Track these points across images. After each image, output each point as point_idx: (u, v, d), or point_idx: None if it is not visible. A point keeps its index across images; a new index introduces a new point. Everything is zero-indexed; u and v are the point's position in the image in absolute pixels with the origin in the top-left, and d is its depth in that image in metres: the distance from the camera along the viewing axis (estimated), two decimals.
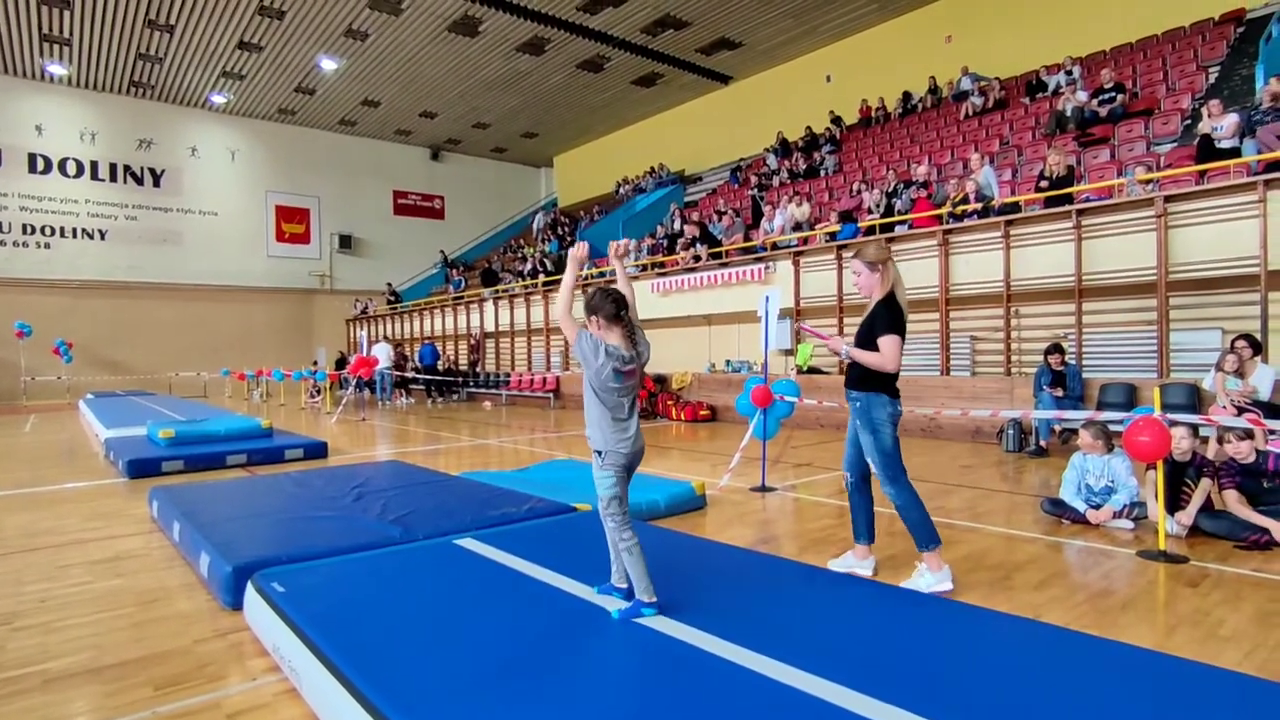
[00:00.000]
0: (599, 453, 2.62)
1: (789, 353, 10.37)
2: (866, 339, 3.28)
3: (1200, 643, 2.69)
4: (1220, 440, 4.14)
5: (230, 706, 2.34)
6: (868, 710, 1.88)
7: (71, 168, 19.78)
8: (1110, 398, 7.21)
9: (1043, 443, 7.17)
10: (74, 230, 19.80)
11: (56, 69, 18.14)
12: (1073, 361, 7.55)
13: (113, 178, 20.37)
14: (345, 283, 24.44)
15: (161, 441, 7.39)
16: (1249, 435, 4.15)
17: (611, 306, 2.58)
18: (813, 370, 10.09)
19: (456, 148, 26.25)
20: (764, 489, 5.57)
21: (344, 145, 24.32)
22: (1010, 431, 7.58)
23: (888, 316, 3.24)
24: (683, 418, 11.22)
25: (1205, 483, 4.12)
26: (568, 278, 2.70)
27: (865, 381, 3.30)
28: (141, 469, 6.65)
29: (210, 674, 2.58)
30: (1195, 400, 6.63)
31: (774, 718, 1.87)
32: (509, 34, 16.73)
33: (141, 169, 20.79)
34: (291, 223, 23.75)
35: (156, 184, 21.02)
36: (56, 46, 16.95)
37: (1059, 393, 7.17)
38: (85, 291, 19.77)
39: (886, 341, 3.20)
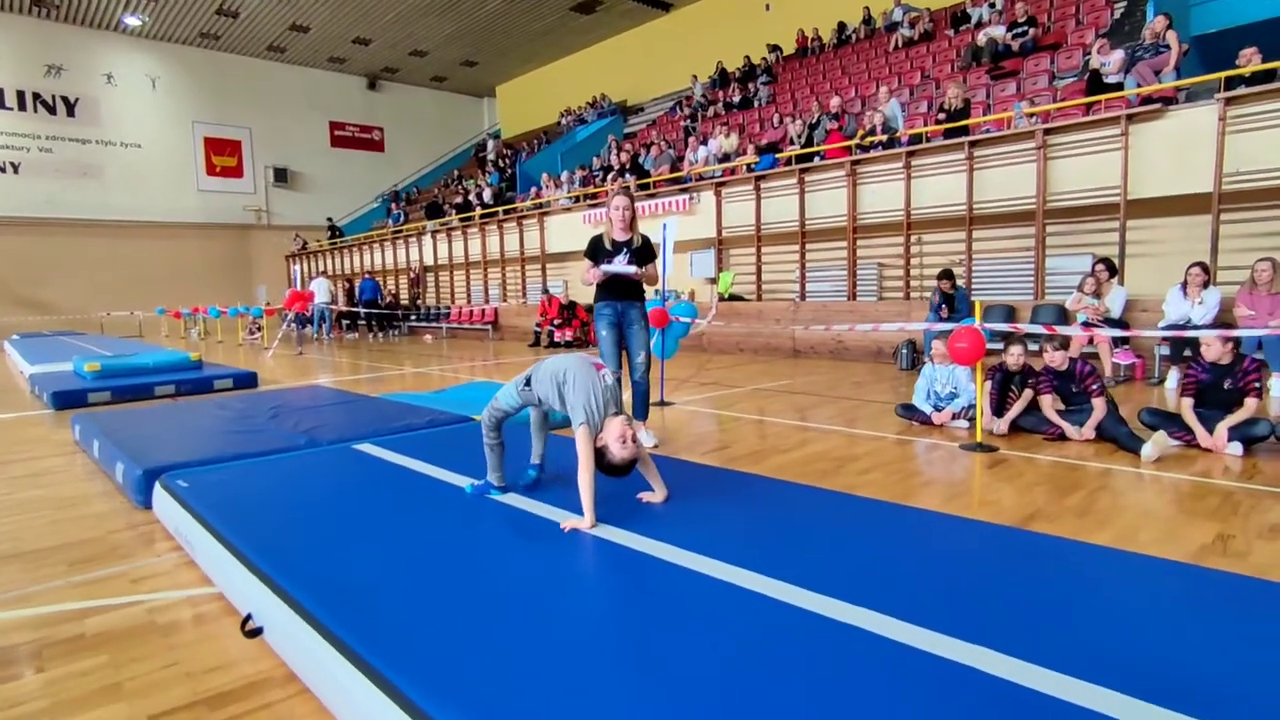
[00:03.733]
0: (528, 380, 2.83)
1: (712, 281, 10.80)
2: (645, 261, 4.32)
3: (967, 506, 3.27)
4: (1040, 351, 4.72)
5: (135, 575, 2.73)
6: (675, 558, 2.36)
7: None
8: (992, 319, 7.84)
9: (926, 357, 7.80)
10: None
11: None
12: (962, 285, 8.14)
13: (20, 106, 19.25)
14: (283, 218, 23.84)
15: (87, 375, 7.50)
16: (1064, 347, 4.72)
17: (617, 468, 2.62)
18: (734, 297, 10.56)
19: (394, 77, 25.37)
20: (662, 404, 6.07)
21: (275, 73, 23.30)
22: (904, 351, 8.21)
23: (652, 246, 4.44)
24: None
25: (1027, 393, 4.71)
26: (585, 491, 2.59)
27: (640, 294, 4.43)
28: (67, 400, 6.79)
29: (120, 555, 2.95)
30: (1063, 319, 7.30)
31: (625, 572, 2.33)
32: None
33: (53, 97, 19.68)
34: (222, 155, 22.89)
35: (71, 113, 19.96)
36: None
37: (946, 313, 7.77)
38: (0, 228, 18.96)
39: (657, 265, 4.50)
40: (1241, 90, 6.75)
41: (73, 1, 18.17)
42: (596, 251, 4.37)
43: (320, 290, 15.46)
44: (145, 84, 21.14)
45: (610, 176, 13.13)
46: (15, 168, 19.25)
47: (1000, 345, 5.29)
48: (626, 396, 4.36)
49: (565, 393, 2.67)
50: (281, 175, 23.70)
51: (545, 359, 2.87)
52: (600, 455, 2.59)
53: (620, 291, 4.36)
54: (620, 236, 4.32)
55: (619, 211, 4.29)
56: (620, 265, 4.25)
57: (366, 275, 18.03)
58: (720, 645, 1.72)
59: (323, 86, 24.33)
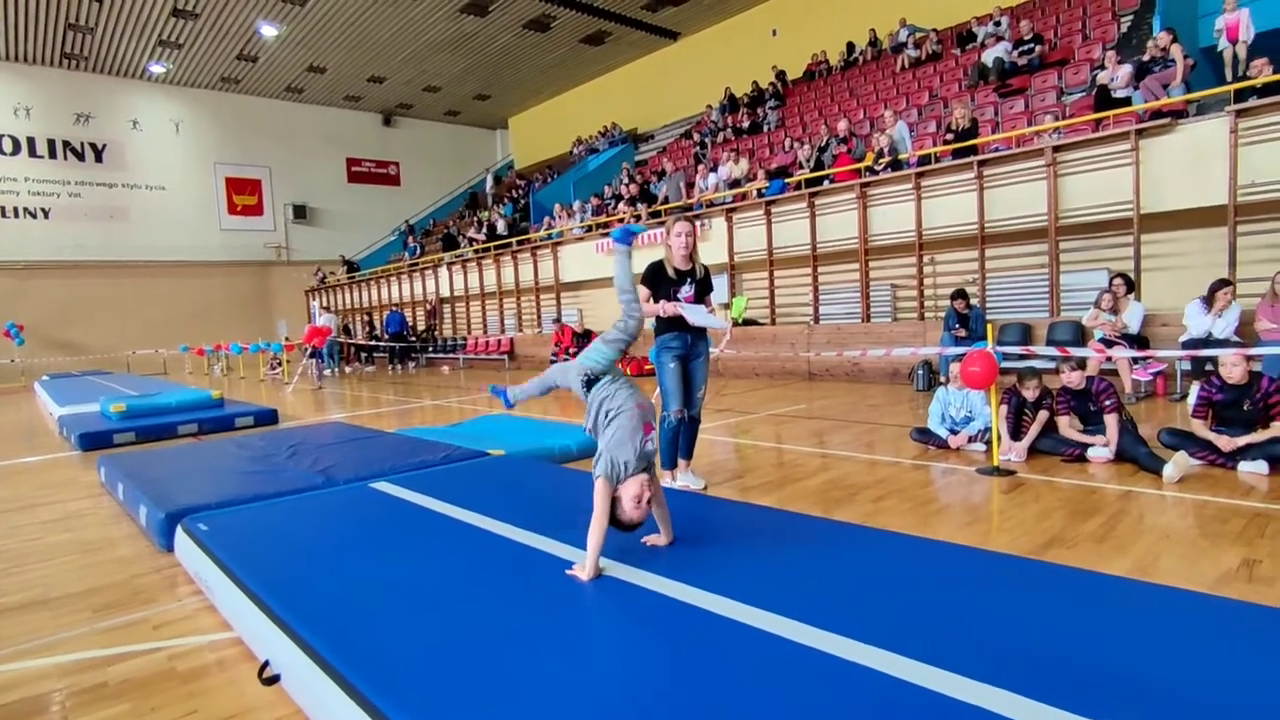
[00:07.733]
0: (588, 383, 2.69)
1: (725, 306, 10.81)
2: (707, 292, 3.98)
3: (985, 533, 3.23)
4: (1057, 371, 4.66)
5: (157, 620, 2.77)
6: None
7: (7, 145, 19.30)
8: (1008, 337, 7.78)
9: (942, 379, 7.75)
10: (15, 210, 19.42)
11: None
12: (976, 305, 8.09)
13: (51, 154, 19.90)
14: (302, 254, 24.29)
15: (113, 415, 7.65)
16: (1081, 366, 4.67)
17: (624, 526, 2.57)
18: (748, 322, 10.57)
19: (409, 112, 25.92)
20: None
21: (293, 113, 23.90)
22: (920, 372, 8.16)
23: (710, 276, 4.16)
24: (628, 372, 11.68)
25: (1042, 414, 4.65)
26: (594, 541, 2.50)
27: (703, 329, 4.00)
28: (93, 442, 6.92)
29: (143, 600, 3.00)
30: (1079, 336, 7.23)
31: (641, 615, 2.34)
32: None
33: (81, 144, 20.32)
34: (243, 194, 23.43)
35: (98, 159, 20.59)
36: None
37: (962, 333, 7.73)
38: (32, 273, 19.49)
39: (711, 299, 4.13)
40: (1253, 102, 6.71)
41: (100, 52, 18.83)
42: (657, 279, 4.02)
43: (329, 325, 15.69)
44: (169, 128, 21.78)
45: (621, 205, 13.26)
46: (46, 213, 19.83)
47: (1017, 365, 5.25)
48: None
49: (606, 432, 2.55)
50: (300, 212, 24.20)
51: (617, 377, 2.69)
52: (611, 506, 2.52)
53: (696, 330, 4.07)
54: (682, 265, 4.04)
55: (680, 239, 3.99)
56: (703, 314, 3.99)
57: (394, 308, 18.34)
58: (734, 687, 1.72)
59: (339, 124, 24.90)
